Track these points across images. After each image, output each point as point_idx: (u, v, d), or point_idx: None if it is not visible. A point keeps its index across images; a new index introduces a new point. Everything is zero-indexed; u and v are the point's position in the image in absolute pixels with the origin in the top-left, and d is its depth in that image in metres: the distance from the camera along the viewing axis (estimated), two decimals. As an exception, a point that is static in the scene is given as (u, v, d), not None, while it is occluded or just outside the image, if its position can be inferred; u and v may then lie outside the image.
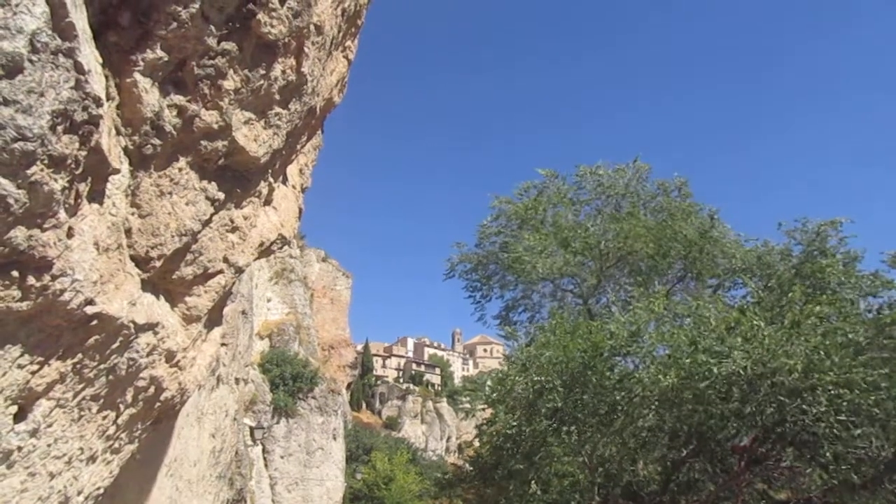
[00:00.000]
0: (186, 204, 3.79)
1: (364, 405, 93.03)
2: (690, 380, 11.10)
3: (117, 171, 3.21)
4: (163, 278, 4.02)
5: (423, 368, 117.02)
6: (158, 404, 4.55)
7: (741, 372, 10.52)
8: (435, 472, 45.69)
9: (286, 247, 6.29)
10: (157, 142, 3.38)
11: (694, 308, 12.78)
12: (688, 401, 11.83)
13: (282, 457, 32.01)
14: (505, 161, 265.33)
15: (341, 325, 59.41)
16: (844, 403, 10.45)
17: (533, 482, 13.76)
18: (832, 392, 10.49)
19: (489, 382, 16.51)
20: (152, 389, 4.28)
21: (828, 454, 10.99)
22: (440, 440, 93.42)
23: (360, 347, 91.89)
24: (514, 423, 13.67)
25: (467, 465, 18.89)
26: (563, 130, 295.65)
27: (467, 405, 17.71)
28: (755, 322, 10.98)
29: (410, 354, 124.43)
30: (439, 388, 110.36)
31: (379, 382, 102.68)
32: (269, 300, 37.60)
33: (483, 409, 17.41)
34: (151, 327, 3.89)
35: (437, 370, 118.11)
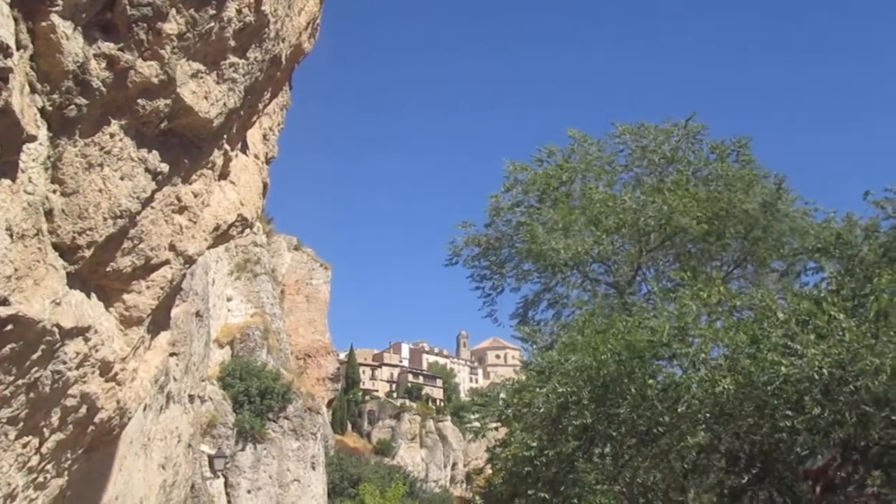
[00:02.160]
0: (121, 178, 3.78)
1: (349, 426, 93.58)
2: (752, 387, 11.12)
3: (33, 139, 3.19)
4: (94, 271, 4.01)
5: (421, 380, 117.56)
6: (92, 428, 4.56)
7: (815, 376, 10.53)
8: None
9: (249, 231, 6.30)
10: (82, 101, 3.36)
11: (757, 298, 12.77)
12: (749, 413, 11.86)
13: (248, 491, 32.20)
14: (525, 123, 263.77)
15: (320, 329, 59.56)
16: None
17: None
18: None
19: (503, 395, 16.58)
20: (84, 409, 4.29)
21: None
22: (444, 468, 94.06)
23: (343, 355, 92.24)
24: (534, 445, 13.73)
25: (477, 497, 19.04)
26: (597, 87, 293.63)
27: (476, 424, 17.78)
28: (833, 314, 10.97)
29: (405, 363, 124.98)
30: (442, 404, 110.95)
31: (367, 398, 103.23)
32: (229, 299, 37.69)
33: (496, 429, 17.49)
34: (81, 332, 3.88)
35: (439, 382, 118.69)
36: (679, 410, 11.84)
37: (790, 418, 11.69)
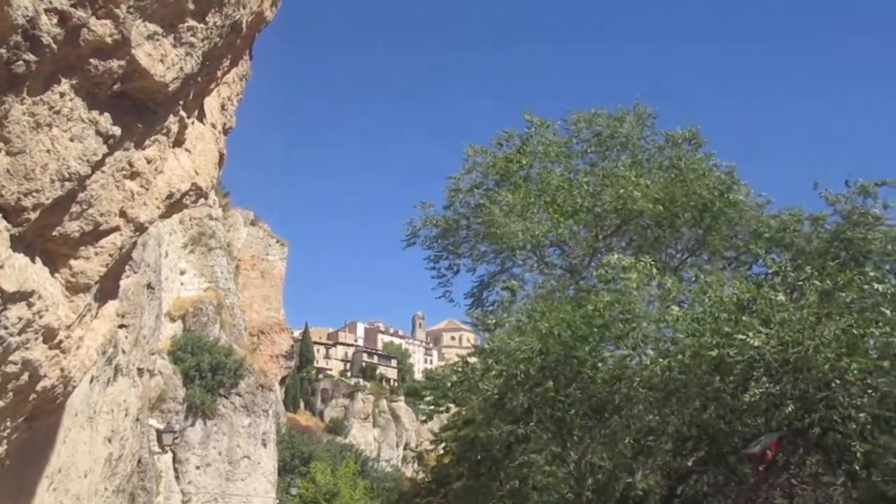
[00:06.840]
0: (71, 140, 3.70)
1: (302, 404, 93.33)
2: (696, 369, 11.33)
3: (-22, 94, 3.09)
4: (40, 235, 3.93)
5: (375, 360, 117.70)
6: (34, 396, 4.47)
7: (758, 357, 10.74)
8: (388, 486, 46.23)
9: (203, 201, 6.21)
10: (31, 57, 3.28)
11: (702, 283, 12.98)
12: (694, 395, 12.09)
13: (198, 467, 32.00)
14: (487, 107, 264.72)
15: (274, 305, 59.28)
16: (878, 394, 10.72)
17: (501, 498, 14.02)
18: (867, 381, 10.77)
19: (454, 377, 16.70)
20: (26, 376, 4.20)
21: (858, 458, 11.27)
22: (396, 447, 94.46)
23: (297, 333, 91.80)
24: (473, 426, 13.87)
25: (426, 477, 19.18)
26: (562, 72, 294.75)
27: (431, 406, 17.88)
28: (774, 297, 11.18)
29: (360, 343, 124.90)
30: (396, 385, 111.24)
31: (321, 377, 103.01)
32: (182, 272, 37.22)
33: (446, 410, 17.62)
34: (24, 297, 3.80)
35: (394, 362, 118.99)
36: (623, 391, 12.03)
37: (732, 401, 11.96)
